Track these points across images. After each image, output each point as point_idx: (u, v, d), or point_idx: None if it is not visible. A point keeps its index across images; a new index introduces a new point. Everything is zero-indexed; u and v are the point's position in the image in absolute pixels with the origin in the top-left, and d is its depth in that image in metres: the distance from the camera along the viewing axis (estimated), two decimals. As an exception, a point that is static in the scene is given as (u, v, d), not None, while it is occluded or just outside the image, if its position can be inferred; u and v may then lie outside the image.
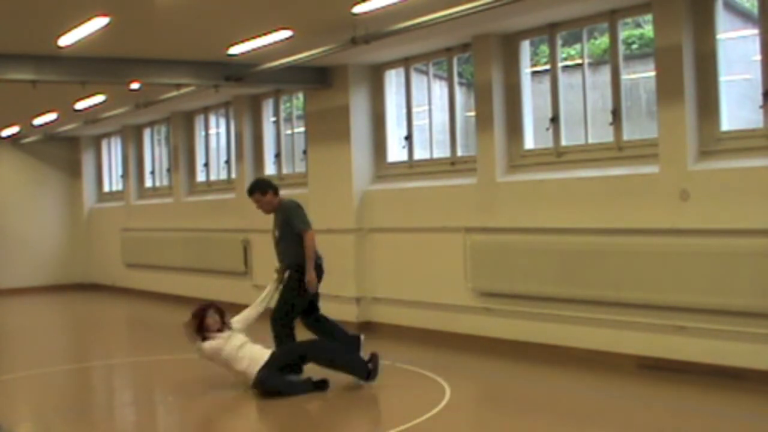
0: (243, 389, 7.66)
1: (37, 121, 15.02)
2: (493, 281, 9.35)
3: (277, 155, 13.15)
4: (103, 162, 18.94)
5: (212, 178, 14.98)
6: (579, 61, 9.03)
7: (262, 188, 8.40)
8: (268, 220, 12.89)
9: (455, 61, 10.22)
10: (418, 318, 10.30)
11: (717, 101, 7.68)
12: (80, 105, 13.13)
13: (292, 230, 8.19)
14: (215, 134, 15.08)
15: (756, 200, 7.18)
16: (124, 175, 17.56)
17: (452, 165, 10.26)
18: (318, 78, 11.30)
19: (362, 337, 8.35)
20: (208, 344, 7.72)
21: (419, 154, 10.84)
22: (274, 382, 7.46)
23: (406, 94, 10.92)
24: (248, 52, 9.59)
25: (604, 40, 9.32)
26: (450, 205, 9.96)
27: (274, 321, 8.18)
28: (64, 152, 18.81)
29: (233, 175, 14.08)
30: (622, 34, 8.58)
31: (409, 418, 6.95)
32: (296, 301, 8.19)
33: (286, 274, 8.23)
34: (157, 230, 16.03)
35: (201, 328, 7.76)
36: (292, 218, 8.21)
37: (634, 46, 9.74)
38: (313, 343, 8.00)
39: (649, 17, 8.35)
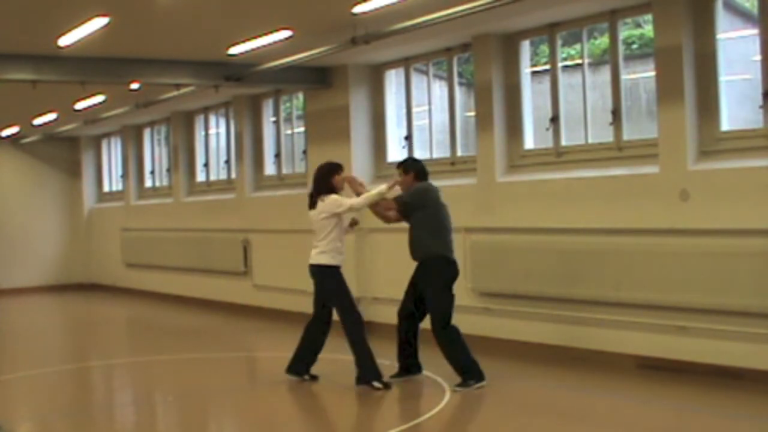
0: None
1: (37, 121, 15.02)
2: (493, 281, 9.35)
3: (277, 155, 13.14)
4: (103, 162, 18.95)
5: (212, 178, 14.98)
6: (579, 61, 9.02)
7: (404, 167, 7.87)
8: (268, 220, 12.94)
9: (455, 61, 10.21)
10: (418, 318, 10.29)
11: (717, 101, 7.68)
12: (80, 105, 13.13)
13: (417, 217, 7.65)
14: (215, 134, 15.08)
15: (756, 200, 7.18)
16: (124, 175, 17.56)
17: (452, 165, 10.25)
18: (318, 78, 11.30)
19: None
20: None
21: (419, 154, 10.81)
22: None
23: (406, 94, 10.92)
24: (248, 52, 9.59)
25: (604, 40, 9.32)
26: (450, 205, 9.93)
27: (435, 331, 7.58)
28: (64, 152, 18.81)
29: (233, 175, 14.07)
30: (622, 34, 8.58)
31: (409, 418, 6.97)
32: (442, 298, 7.61)
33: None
34: (157, 230, 16.03)
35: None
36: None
37: (634, 46, 9.73)
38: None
39: (649, 17, 8.35)
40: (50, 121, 15.14)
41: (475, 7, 7.53)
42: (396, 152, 11.08)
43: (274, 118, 13.23)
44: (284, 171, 13.04)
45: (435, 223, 7.69)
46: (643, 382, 7.63)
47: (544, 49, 9.62)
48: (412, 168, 7.91)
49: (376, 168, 11.23)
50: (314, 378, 7.98)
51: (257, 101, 13.31)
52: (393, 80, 11.20)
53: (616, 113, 8.44)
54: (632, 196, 8.09)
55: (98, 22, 7.97)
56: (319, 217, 7.75)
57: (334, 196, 7.76)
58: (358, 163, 11.16)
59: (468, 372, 7.52)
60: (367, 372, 7.57)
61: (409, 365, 7.91)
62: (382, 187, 7.76)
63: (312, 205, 7.85)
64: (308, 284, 8.15)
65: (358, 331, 7.66)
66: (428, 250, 7.66)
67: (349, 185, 7.99)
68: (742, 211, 7.26)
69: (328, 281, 7.78)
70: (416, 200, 7.70)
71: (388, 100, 11.20)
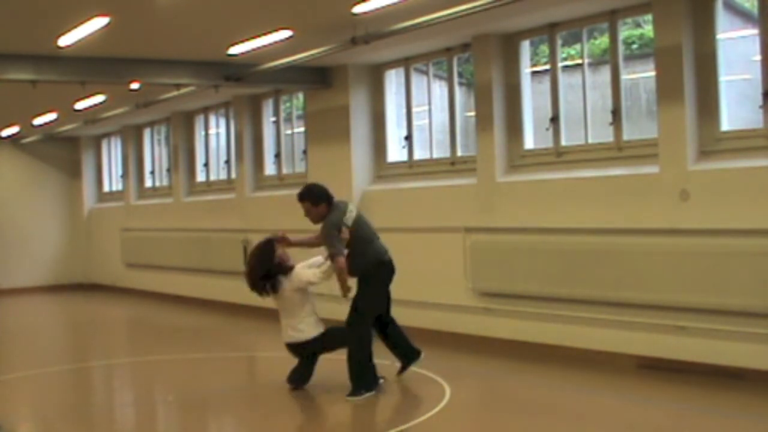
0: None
1: (37, 121, 15.02)
2: (493, 281, 9.35)
3: (277, 155, 13.15)
4: (103, 162, 18.95)
5: (212, 178, 14.98)
6: (579, 61, 9.03)
7: (311, 200, 7.66)
8: (268, 220, 12.93)
9: (455, 61, 10.21)
10: (418, 318, 10.29)
11: (717, 101, 7.68)
12: (80, 105, 13.13)
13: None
14: (215, 134, 15.08)
15: (756, 200, 7.18)
16: (124, 175, 17.57)
17: (452, 165, 10.26)
18: (318, 78, 11.31)
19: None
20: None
21: (419, 154, 10.84)
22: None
23: (406, 94, 10.92)
24: (248, 52, 9.59)
25: (604, 40, 9.32)
26: (450, 205, 9.95)
27: (351, 324, 7.62)
28: (64, 152, 18.81)
29: (233, 175, 14.08)
30: (622, 34, 8.58)
31: (409, 418, 6.97)
32: (375, 296, 7.76)
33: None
34: (157, 230, 16.03)
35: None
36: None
37: (634, 46, 9.74)
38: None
39: (649, 17, 8.35)
40: (50, 121, 15.14)
41: (475, 7, 7.54)
42: (396, 152, 11.09)
43: (274, 118, 13.23)
44: (284, 171, 13.04)
45: (359, 238, 7.56)
46: (643, 382, 7.63)
47: (544, 49, 9.62)
48: (322, 199, 7.60)
49: (376, 168, 11.24)
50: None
51: (257, 101, 13.32)
52: (393, 80, 11.20)
53: (616, 113, 8.44)
54: (632, 196, 8.09)
55: (98, 22, 7.97)
56: (287, 295, 7.61)
57: (296, 272, 7.63)
58: (358, 163, 11.16)
59: (361, 381, 7.38)
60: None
61: (406, 354, 7.93)
62: (327, 264, 7.59)
63: (265, 290, 7.67)
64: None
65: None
66: (363, 262, 7.60)
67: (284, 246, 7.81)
68: (742, 211, 7.26)
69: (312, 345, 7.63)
70: (337, 230, 7.50)
71: (388, 100, 11.19)
